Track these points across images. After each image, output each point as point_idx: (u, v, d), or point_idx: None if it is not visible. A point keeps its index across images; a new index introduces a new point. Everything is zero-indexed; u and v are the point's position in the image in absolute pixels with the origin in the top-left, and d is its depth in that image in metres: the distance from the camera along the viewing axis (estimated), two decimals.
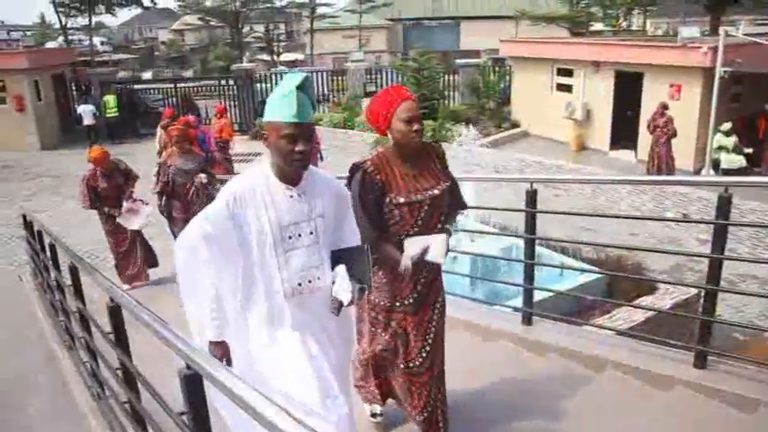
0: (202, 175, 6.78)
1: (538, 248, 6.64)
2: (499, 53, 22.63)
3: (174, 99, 22.56)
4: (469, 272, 6.75)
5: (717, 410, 3.35)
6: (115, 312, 2.97)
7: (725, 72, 13.38)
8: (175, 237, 7.03)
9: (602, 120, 17.50)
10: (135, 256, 7.38)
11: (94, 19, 39.18)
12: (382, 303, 3.00)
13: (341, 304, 2.48)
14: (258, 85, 22.76)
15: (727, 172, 13.71)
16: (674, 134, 13.60)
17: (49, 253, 4.96)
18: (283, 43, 50.81)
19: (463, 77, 22.20)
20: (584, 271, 6.90)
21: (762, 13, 26.89)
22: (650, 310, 6.61)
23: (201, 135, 12.30)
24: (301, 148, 2.29)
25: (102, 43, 52.82)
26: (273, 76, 23.83)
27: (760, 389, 3.35)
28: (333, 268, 2.54)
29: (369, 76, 23.41)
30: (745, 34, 15.13)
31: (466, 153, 12.59)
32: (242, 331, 2.52)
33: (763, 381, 3.43)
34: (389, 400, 3.36)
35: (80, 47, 42.07)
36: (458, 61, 23.59)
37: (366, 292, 2.57)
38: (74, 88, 24.49)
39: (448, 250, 2.89)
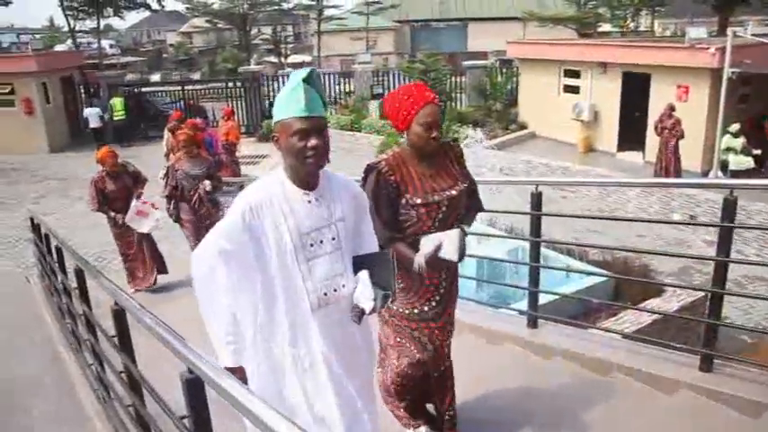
0: (207, 182, 6.76)
1: (544, 251, 6.63)
2: (506, 55, 22.60)
3: (182, 102, 22.64)
4: (475, 274, 6.73)
5: (722, 414, 3.33)
6: (119, 315, 2.96)
7: (733, 73, 13.28)
8: (187, 239, 7.08)
9: (610, 121, 17.43)
10: (143, 260, 7.32)
11: (103, 22, 39.37)
12: (401, 311, 2.94)
13: (362, 312, 2.35)
14: (265, 87, 22.81)
15: (736, 173, 13.65)
16: (682, 135, 13.57)
17: (55, 256, 4.97)
18: (291, 45, 51.05)
19: (470, 79, 22.13)
20: (589, 274, 6.87)
21: None
22: (656, 313, 6.56)
23: (209, 138, 12.39)
24: (314, 143, 2.14)
25: (111, 46, 53.03)
26: (281, 78, 23.89)
27: (766, 392, 3.33)
28: (354, 275, 2.41)
29: (376, 78, 23.44)
30: (753, 35, 15.08)
31: (473, 155, 12.57)
32: (260, 355, 2.36)
33: None
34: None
35: (89, 50, 42.27)
36: (465, 63, 23.53)
37: (390, 300, 2.43)
38: (82, 91, 24.58)
39: (464, 249, 2.79)
